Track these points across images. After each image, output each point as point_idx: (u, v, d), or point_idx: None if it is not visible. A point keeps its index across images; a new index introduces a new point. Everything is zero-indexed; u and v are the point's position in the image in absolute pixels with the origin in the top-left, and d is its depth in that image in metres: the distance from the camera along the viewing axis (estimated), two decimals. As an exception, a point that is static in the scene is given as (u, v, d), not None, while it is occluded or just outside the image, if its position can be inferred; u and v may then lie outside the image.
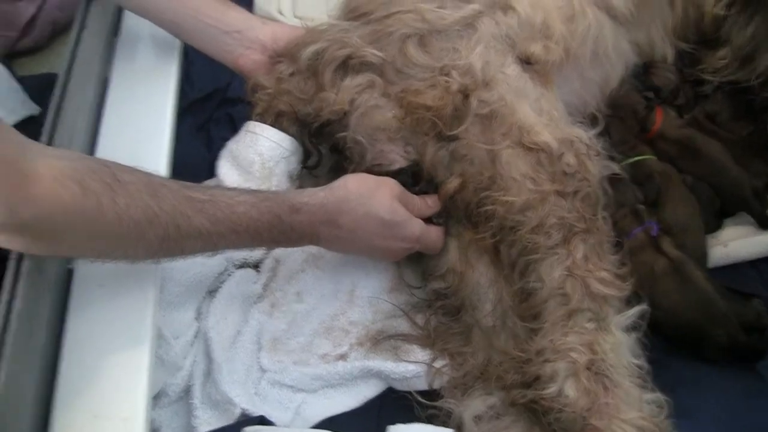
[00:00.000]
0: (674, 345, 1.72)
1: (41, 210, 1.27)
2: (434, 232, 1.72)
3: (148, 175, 1.42)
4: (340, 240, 1.64)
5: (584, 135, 1.70)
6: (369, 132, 1.73)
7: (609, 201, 1.70)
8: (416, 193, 1.72)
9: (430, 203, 1.73)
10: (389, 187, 1.66)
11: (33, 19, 2.58)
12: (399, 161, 1.74)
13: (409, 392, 1.67)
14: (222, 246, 1.52)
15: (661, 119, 1.98)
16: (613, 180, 1.73)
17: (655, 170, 1.90)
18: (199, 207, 1.44)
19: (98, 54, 1.96)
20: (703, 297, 1.71)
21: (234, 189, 1.59)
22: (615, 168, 1.76)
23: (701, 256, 1.80)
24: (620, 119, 1.97)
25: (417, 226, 1.68)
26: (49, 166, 1.28)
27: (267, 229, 1.53)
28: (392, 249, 1.70)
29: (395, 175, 1.72)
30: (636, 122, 1.98)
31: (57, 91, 1.74)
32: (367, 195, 1.62)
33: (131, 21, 2.06)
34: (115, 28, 2.07)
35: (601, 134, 1.76)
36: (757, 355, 1.71)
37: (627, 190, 1.83)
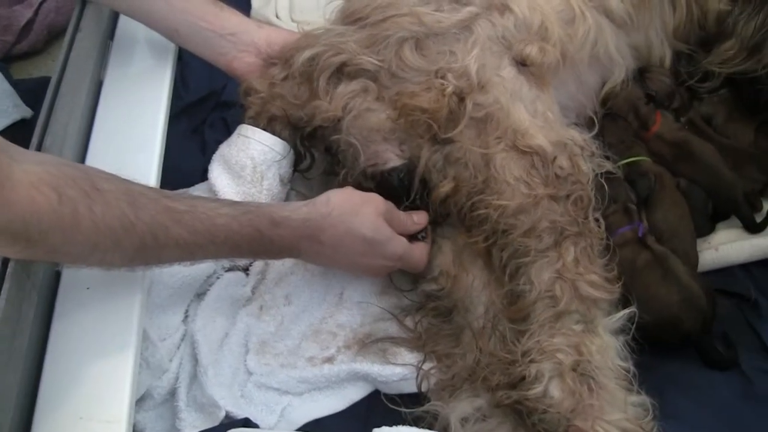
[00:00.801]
0: (651, 339, 1.67)
1: (16, 215, 1.27)
2: (417, 251, 1.71)
3: (128, 184, 1.42)
4: (322, 255, 1.64)
5: (578, 136, 1.70)
6: (363, 134, 1.73)
7: (603, 196, 1.68)
8: (407, 207, 1.72)
9: (416, 220, 1.72)
10: (374, 204, 1.64)
11: (29, 23, 2.61)
12: (393, 160, 1.73)
13: (396, 395, 1.67)
14: (200, 256, 1.52)
15: (660, 120, 1.97)
16: (607, 178, 1.71)
17: (650, 170, 1.89)
18: (177, 217, 1.43)
19: (92, 57, 1.97)
20: (684, 290, 1.70)
21: (216, 200, 1.61)
22: (609, 166, 1.74)
23: (691, 261, 1.79)
24: (617, 117, 1.96)
25: (400, 245, 1.67)
26: (26, 172, 1.28)
27: (247, 242, 1.52)
28: (374, 266, 1.69)
29: (389, 173, 1.72)
30: (635, 118, 1.98)
31: (49, 95, 1.74)
32: (350, 212, 1.61)
33: (126, 24, 2.06)
34: (110, 32, 2.08)
35: (596, 135, 1.76)
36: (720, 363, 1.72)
37: (620, 188, 1.82)
